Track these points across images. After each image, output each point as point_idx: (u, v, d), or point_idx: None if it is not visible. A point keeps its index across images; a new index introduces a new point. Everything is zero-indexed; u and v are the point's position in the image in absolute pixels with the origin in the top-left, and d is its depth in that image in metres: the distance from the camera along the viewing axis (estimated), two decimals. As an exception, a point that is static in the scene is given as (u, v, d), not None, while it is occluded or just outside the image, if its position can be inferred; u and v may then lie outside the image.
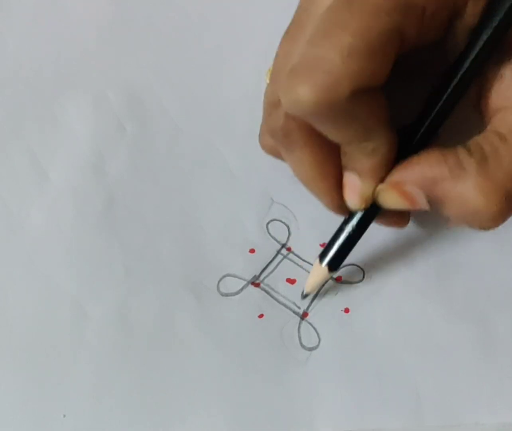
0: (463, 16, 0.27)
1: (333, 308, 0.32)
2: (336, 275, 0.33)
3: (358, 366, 0.31)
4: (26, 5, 0.42)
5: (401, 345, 0.31)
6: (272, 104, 0.30)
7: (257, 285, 0.33)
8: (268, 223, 0.34)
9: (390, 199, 0.29)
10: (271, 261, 0.33)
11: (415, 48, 0.27)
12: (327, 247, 0.31)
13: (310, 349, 0.31)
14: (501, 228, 0.32)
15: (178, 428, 0.29)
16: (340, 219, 0.32)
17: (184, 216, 0.34)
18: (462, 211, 0.27)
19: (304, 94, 0.25)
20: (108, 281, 0.33)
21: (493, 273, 0.33)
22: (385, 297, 0.32)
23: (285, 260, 0.33)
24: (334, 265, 0.31)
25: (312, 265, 0.33)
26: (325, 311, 0.32)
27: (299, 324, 0.32)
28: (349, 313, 0.32)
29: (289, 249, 0.34)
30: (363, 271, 0.33)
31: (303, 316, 0.32)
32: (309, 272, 0.33)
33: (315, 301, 0.32)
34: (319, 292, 0.32)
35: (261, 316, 0.32)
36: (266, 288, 0.33)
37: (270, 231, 0.34)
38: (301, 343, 0.31)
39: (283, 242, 0.34)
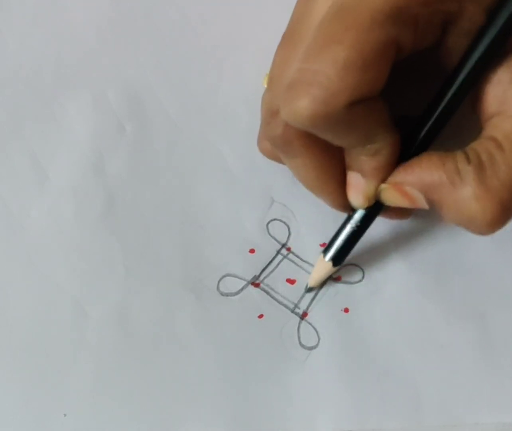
0: (457, 21, 0.27)
1: (333, 308, 0.32)
2: (336, 274, 0.33)
3: (358, 366, 0.31)
4: (26, 5, 0.42)
5: (401, 344, 0.31)
6: (270, 113, 0.30)
7: (257, 285, 0.33)
8: (268, 223, 0.34)
9: (392, 197, 0.29)
10: (271, 261, 0.33)
11: (412, 53, 0.28)
12: (331, 242, 0.31)
13: (310, 349, 0.31)
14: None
15: (178, 428, 0.29)
16: (341, 218, 0.32)
17: (184, 215, 0.34)
18: (458, 217, 0.27)
19: (302, 107, 0.26)
20: (108, 281, 0.33)
21: (492, 272, 0.33)
22: (384, 297, 0.32)
23: (285, 260, 0.33)
24: (337, 260, 0.31)
25: (312, 265, 0.33)
26: (324, 311, 0.32)
27: (299, 323, 0.32)
28: (349, 312, 0.32)
29: (289, 249, 0.34)
30: (362, 271, 0.33)
31: (303, 316, 0.32)
32: (309, 272, 0.33)
33: (315, 301, 0.32)
34: (319, 292, 0.32)
35: (261, 316, 0.32)
36: (266, 288, 0.33)
37: (270, 231, 0.34)
38: (300, 343, 0.31)
39: (283, 241, 0.34)
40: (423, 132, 0.29)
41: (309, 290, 0.32)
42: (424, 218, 0.34)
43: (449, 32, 0.28)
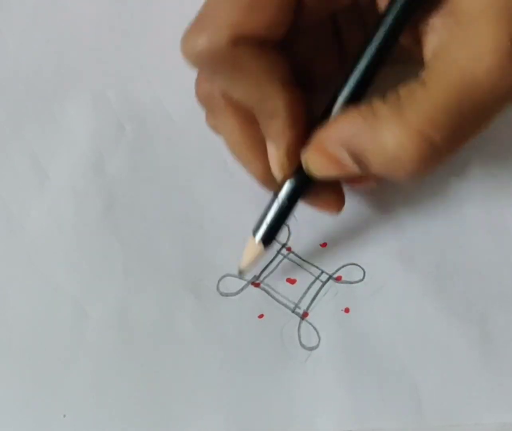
0: None
1: (333, 308, 0.32)
2: (336, 274, 0.33)
3: (358, 365, 0.31)
4: (26, 5, 0.42)
5: (401, 344, 0.31)
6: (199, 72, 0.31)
7: (257, 285, 0.33)
8: (268, 223, 0.34)
9: (317, 164, 0.29)
10: (271, 261, 0.33)
11: (327, 13, 0.28)
12: (260, 222, 0.31)
13: (310, 349, 0.31)
14: (501, 228, 0.32)
15: (178, 428, 0.29)
16: (341, 218, 0.32)
17: (183, 215, 0.34)
18: (383, 162, 0.26)
19: (191, 41, 0.27)
20: (108, 281, 0.33)
21: (493, 273, 0.32)
22: (385, 296, 0.32)
23: (285, 260, 0.33)
24: (267, 240, 0.31)
25: (312, 264, 0.33)
26: (325, 310, 0.32)
27: (299, 323, 0.32)
28: (349, 312, 0.32)
29: (289, 249, 0.34)
30: (363, 271, 0.33)
31: (303, 316, 0.32)
32: (310, 272, 0.33)
33: (315, 300, 0.32)
34: (319, 292, 0.32)
35: (261, 316, 0.32)
36: (266, 288, 0.33)
37: (270, 231, 0.34)
38: (301, 343, 0.31)
39: (283, 241, 0.34)
40: (343, 92, 0.28)
41: (240, 273, 0.32)
42: (424, 218, 0.34)
43: None
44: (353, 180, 0.31)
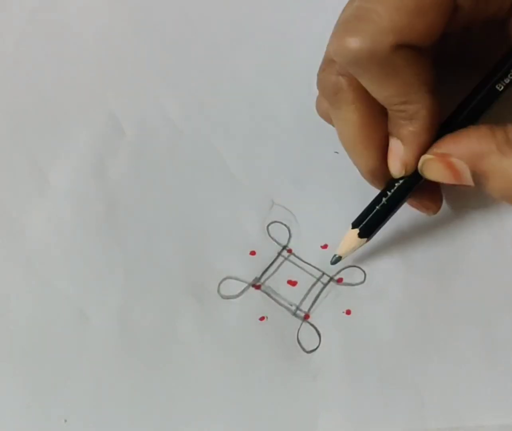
0: None
1: (335, 310, 0.32)
2: (337, 276, 0.33)
3: (360, 368, 0.30)
4: (26, 6, 0.42)
5: (403, 346, 0.31)
6: (327, 61, 0.31)
7: (258, 287, 0.33)
8: (268, 225, 0.34)
9: (434, 170, 0.29)
10: (272, 263, 0.33)
11: (472, 24, 0.28)
12: (362, 214, 0.31)
13: (312, 351, 0.31)
14: (501, 228, 0.32)
15: (180, 432, 0.29)
16: (341, 218, 0.32)
17: (184, 218, 0.34)
18: (505, 187, 0.27)
19: (349, 41, 0.27)
20: (109, 285, 0.33)
21: (494, 275, 0.32)
22: (386, 298, 0.32)
23: (286, 262, 0.33)
24: (366, 233, 0.31)
25: (312, 266, 0.33)
26: (326, 313, 0.32)
27: (300, 326, 0.32)
28: (351, 315, 0.32)
29: (290, 251, 0.34)
30: (364, 273, 0.33)
31: (305, 318, 0.32)
32: (310, 274, 0.33)
33: (317, 302, 0.32)
34: (320, 294, 0.32)
35: (262, 318, 0.32)
36: (267, 290, 0.33)
37: (271, 233, 0.34)
38: (302, 345, 0.31)
39: (284, 243, 0.34)
40: (470, 107, 0.29)
41: (336, 260, 0.32)
42: (425, 220, 0.33)
43: None
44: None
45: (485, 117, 0.30)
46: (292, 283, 0.33)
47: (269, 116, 0.37)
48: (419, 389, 0.30)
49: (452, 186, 0.30)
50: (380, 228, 0.31)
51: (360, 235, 0.31)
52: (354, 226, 0.31)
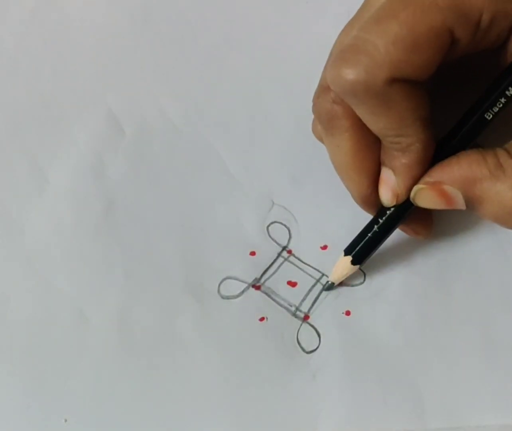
0: None
1: (334, 311, 0.32)
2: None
3: (360, 368, 0.30)
4: (25, 6, 0.42)
5: (403, 347, 0.31)
6: (322, 88, 0.31)
7: (258, 288, 0.33)
8: (268, 225, 0.34)
9: (427, 198, 0.29)
10: (272, 264, 0.33)
11: (468, 54, 0.28)
12: (354, 241, 0.31)
13: (311, 352, 0.31)
14: (501, 228, 0.32)
15: (180, 432, 0.29)
16: (341, 218, 0.32)
17: (184, 218, 0.34)
18: (500, 210, 0.28)
19: (346, 73, 0.27)
20: (109, 285, 0.33)
21: (494, 274, 0.32)
22: (386, 299, 0.32)
23: (286, 263, 0.33)
24: (358, 260, 0.31)
25: (312, 267, 0.33)
26: (326, 313, 0.32)
27: (300, 326, 0.32)
28: (350, 315, 0.32)
29: (289, 252, 0.34)
30: (364, 274, 0.33)
31: (304, 318, 0.32)
32: (310, 275, 0.33)
33: (316, 303, 0.32)
34: (320, 295, 0.32)
35: (262, 319, 0.32)
36: (267, 291, 0.33)
37: (271, 233, 0.34)
38: (302, 346, 0.31)
39: (284, 244, 0.34)
40: (459, 135, 0.29)
41: (329, 287, 0.32)
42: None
43: None
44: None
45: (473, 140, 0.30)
46: (292, 284, 0.33)
47: (269, 116, 0.37)
48: (419, 389, 0.30)
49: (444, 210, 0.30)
50: (372, 254, 0.32)
51: (353, 262, 0.31)
52: (347, 253, 0.31)
